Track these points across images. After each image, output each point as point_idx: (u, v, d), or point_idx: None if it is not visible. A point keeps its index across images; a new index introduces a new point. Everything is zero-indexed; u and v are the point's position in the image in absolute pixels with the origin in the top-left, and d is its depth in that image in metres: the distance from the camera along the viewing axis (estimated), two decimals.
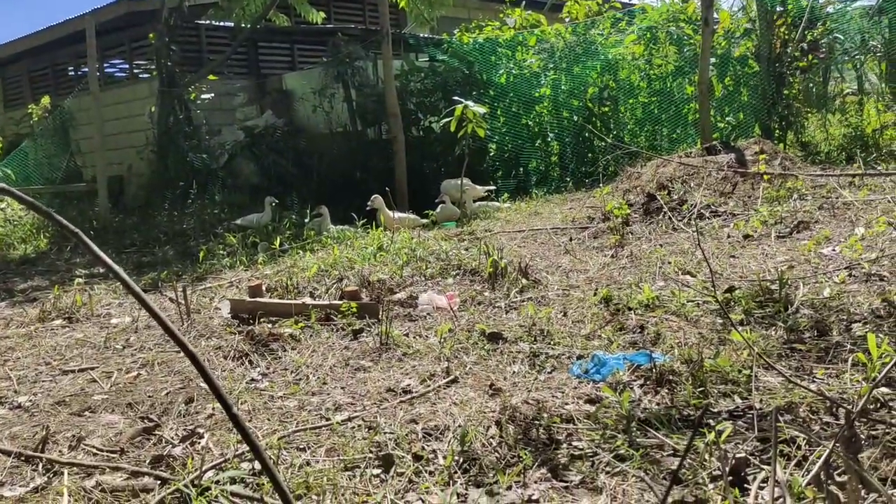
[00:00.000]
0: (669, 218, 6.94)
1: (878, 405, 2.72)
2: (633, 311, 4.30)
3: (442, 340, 4.05)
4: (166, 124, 11.96)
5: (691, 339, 3.75)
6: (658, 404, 2.97)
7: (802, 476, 2.20)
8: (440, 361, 3.79)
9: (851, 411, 1.88)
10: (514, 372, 3.57)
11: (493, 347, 3.93)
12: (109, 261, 1.41)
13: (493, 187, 10.69)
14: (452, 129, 8.02)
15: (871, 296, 4.00)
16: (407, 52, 14.19)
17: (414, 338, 4.27)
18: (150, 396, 3.57)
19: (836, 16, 11.81)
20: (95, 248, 1.38)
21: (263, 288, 5.38)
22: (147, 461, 2.83)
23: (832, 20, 11.66)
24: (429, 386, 3.45)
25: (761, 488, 2.21)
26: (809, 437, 2.47)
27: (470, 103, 7.97)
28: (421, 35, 14.10)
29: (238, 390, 3.53)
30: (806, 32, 10.79)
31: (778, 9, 10.98)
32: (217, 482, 2.54)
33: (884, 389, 2.81)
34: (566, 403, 3.08)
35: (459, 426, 2.83)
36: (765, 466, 2.35)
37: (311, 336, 4.38)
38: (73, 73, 16.99)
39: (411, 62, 13.29)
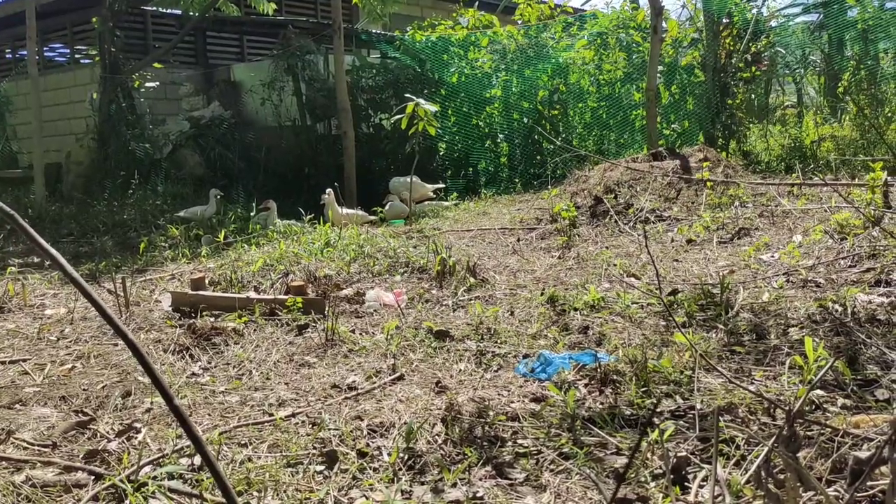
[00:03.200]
0: (616, 221, 7.03)
1: (814, 407, 2.80)
2: (578, 312, 4.34)
3: (389, 337, 4.02)
4: (108, 112, 11.65)
5: (635, 339, 3.80)
6: (602, 404, 3.00)
7: (741, 475, 2.24)
8: (386, 358, 3.76)
9: (791, 411, 1.93)
10: (460, 370, 3.56)
11: (440, 345, 3.92)
12: (44, 242, 1.35)
13: (442, 186, 10.70)
14: (403, 126, 7.98)
15: (808, 301, 4.12)
16: (359, 47, 14.11)
17: (360, 334, 4.23)
18: (85, 390, 3.45)
19: (779, 29, 12.17)
20: (30, 229, 1.32)
21: (206, 281, 5.27)
22: (81, 456, 2.74)
23: (775, 34, 12.01)
24: (374, 383, 3.42)
25: (702, 486, 2.24)
26: (748, 436, 2.52)
27: (421, 101, 7.94)
28: (373, 31, 14.02)
29: (178, 384, 3.45)
30: (750, 44, 11.08)
31: (724, 20, 11.24)
32: (154, 478, 2.47)
33: (819, 392, 2.89)
34: (511, 402, 3.09)
35: (405, 423, 2.81)
36: (705, 465, 2.39)
37: (254, 331, 4.31)
38: (10, 56, 16.42)
39: (363, 58, 13.21)
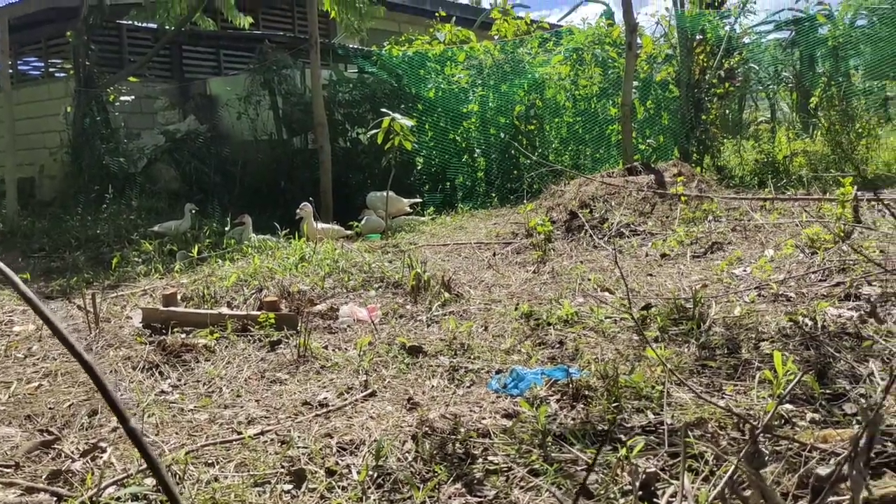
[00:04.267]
0: (591, 236, 7.06)
1: (783, 421, 2.81)
2: (552, 327, 4.34)
3: (361, 353, 3.99)
4: (82, 125, 11.53)
5: (608, 354, 3.80)
6: (574, 419, 2.99)
7: (710, 490, 2.24)
8: (358, 374, 3.74)
9: (755, 427, 1.93)
10: (432, 386, 3.54)
11: (412, 361, 3.90)
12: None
13: (418, 200, 10.69)
14: (379, 141, 7.97)
15: (779, 315, 4.15)
16: (336, 62, 14.11)
17: (333, 350, 4.20)
18: (50, 408, 3.39)
19: (752, 46, 12.35)
20: None
21: (178, 297, 5.22)
22: (44, 476, 2.68)
23: (748, 50, 12.18)
24: (346, 399, 3.39)
25: (670, 503, 2.24)
26: (717, 452, 2.53)
27: (398, 116, 7.95)
28: (350, 46, 14.04)
29: (146, 402, 3.39)
30: (723, 61, 11.22)
31: (698, 37, 11.38)
32: (118, 499, 2.43)
33: (788, 406, 2.91)
34: (483, 418, 3.07)
35: (375, 440, 2.79)
36: (674, 481, 2.39)
37: (226, 347, 4.26)
38: None
39: (340, 72, 13.21)
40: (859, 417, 2.68)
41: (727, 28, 11.48)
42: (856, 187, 6.26)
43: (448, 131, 12.30)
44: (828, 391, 3.04)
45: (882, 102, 12.30)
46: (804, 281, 4.85)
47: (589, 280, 5.49)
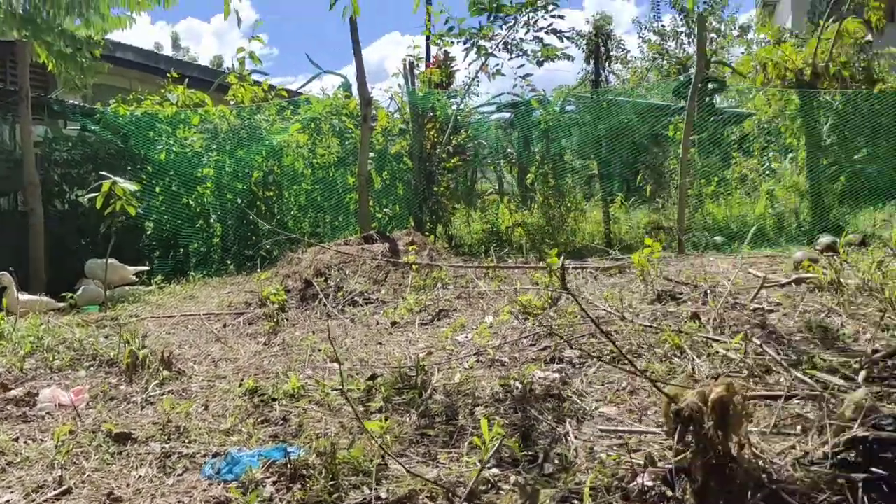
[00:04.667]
0: (325, 304, 7.06)
1: (490, 486, 2.94)
2: (277, 402, 4.22)
3: (59, 444, 3.58)
4: None
5: (332, 428, 3.76)
6: (289, 502, 2.90)
7: None
8: (53, 470, 3.33)
9: (456, 497, 1.99)
10: (139, 477, 3.25)
11: (119, 450, 3.57)
12: None
13: (145, 268, 10.03)
14: (98, 205, 7.40)
15: (493, 380, 4.39)
16: (53, 118, 12.98)
17: (25, 443, 3.73)
18: None
19: (477, 124, 13.36)
20: None
21: None
22: None
23: (474, 128, 13.16)
24: (34, 500, 3.00)
25: None
26: None
27: (119, 179, 7.44)
28: (70, 102, 13.01)
29: None
30: (451, 137, 12.00)
31: (429, 114, 12.09)
32: None
33: (495, 470, 3.05)
34: None
35: None
36: None
37: None
38: None
39: (58, 129, 12.16)
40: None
41: (454, 107, 12.33)
42: (562, 256, 6.90)
43: (181, 195, 11.78)
44: (530, 453, 3.24)
45: (587, 179, 13.84)
46: (517, 346, 5.20)
47: (319, 351, 5.45)
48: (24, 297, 7.64)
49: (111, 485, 3.16)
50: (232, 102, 12.75)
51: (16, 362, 5.14)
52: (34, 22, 10.18)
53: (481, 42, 12.01)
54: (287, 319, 6.79)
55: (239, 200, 11.90)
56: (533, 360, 4.78)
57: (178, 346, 5.89)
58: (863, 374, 3.60)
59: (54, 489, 3.12)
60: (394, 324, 6.41)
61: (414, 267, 7.92)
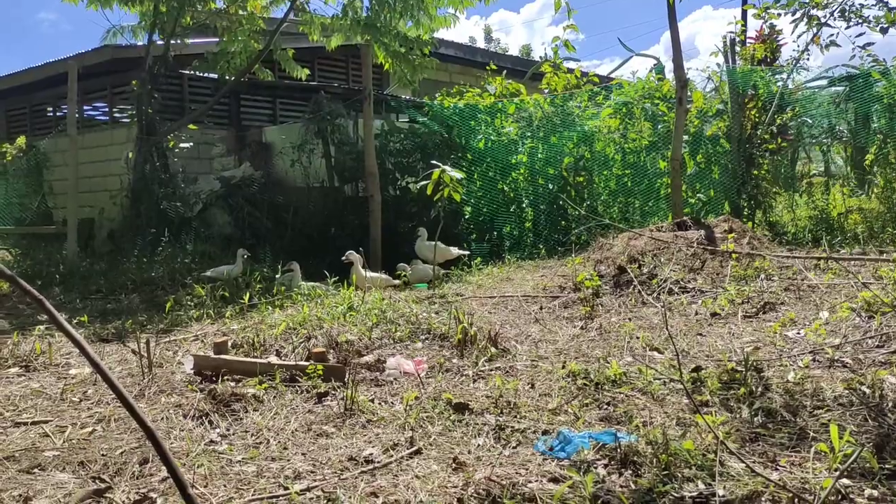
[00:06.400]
0: (639, 292, 6.99)
1: (840, 497, 2.72)
2: (600, 387, 4.29)
3: (407, 408, 4.00)
4: (143, 171, 11.92)
5: (657, 418, 3.74)
6: (622, 486, 2.94)
7: None
8: (404, 430, 3.74)
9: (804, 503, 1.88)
10: (478, 445, 3.53)
11: (458, 418, 3.89)
12: (71, 329, 1.38)
13: (466, 252, 10.72)
14: (429, 192, 8.07)
15: (835, 382, 4.04)
16: (388, 112, 14.39)
17: (379, 404, 4.22)
18: (104, 455, 3.46)
19: (805, 101, 12.23)
20: (58, 315, 1.36)
21: (229, 344, 5.31)
22: None
23: (801, 105, 12.07)
24: (392, 456, 3.39)
25: None
26: None
27: (447, 168, 8.04)
28: (402, 97, 14.31)
29: (195, 452, 3.44)
30: (776, 116, 11.13)
31: (749, 92, 11.34)
32: None
33: (845, 481, 2.82)
34: (529, 481, 3.04)
35: (420, 502, 2.78)
36: None
37: (274, 397, 4.31)
38: (51, 113, 16.96)
39: (391, 123, 13.46)
40: None
41: (780, 84, 11.41)
42: None
43: (496, 181, 12.39)
44: (886, 466, 2.94)
45: None
46: (861, 346, 4.72)
47: (637, 338, 5.43)
48: (367, 273, 8.62)
49: (454, 450, 3.46)
50: (546, 91, 13.07)
51: (365, 332, 5.82)
52: (374, 26, 11.38)
53: (813, 11, 10.93)
54: (602, 305, 6.85)
55: (550, 186, 12.21)
56: (882, 364, 4.31)
57: (501, 325, 6.22)
58: None
59: (407, 448, 3.50)
60: (714, 315, 6.16)
61: (733, 256, 7.52)
